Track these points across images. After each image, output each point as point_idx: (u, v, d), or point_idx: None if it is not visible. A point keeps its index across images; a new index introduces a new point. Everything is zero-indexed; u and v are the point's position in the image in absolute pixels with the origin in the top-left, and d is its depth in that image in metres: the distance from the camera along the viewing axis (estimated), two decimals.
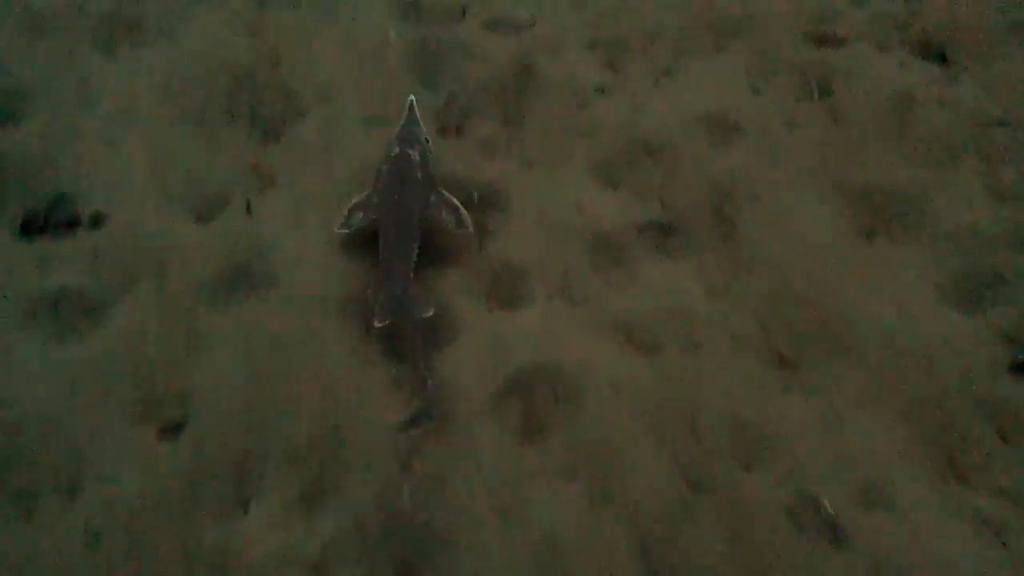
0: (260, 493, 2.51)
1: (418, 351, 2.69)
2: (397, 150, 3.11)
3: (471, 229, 3.06)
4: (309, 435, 2.59)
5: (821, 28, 3.79)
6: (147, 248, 3.12)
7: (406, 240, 2.93)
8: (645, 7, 4.12)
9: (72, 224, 3.17)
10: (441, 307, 2.89)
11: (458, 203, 3.09)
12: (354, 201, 3.10)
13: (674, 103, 3.63)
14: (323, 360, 2.83)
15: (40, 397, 2.66)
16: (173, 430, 2.63)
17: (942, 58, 3.51)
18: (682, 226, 3.19)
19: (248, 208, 3.30)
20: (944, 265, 2.86)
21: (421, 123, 3.24)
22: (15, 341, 2.79)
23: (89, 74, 3.75)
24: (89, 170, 3.34)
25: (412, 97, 3.31)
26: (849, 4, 3.87)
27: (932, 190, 3.07)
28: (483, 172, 3.45)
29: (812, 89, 3.51)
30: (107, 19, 4.00)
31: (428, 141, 3.24)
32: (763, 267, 2.99)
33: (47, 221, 3.16)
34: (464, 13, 4.24)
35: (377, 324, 2.74)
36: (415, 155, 3.11)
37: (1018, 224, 2.90)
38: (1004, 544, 2.19)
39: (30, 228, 3.13)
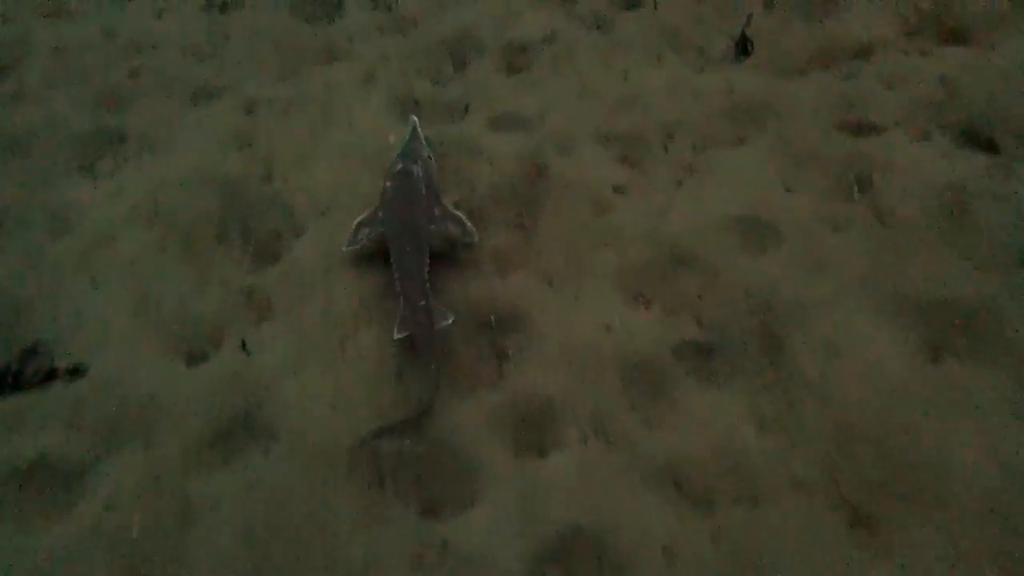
0: None
1: (435, 359, 2.74)
2: (400, 166, 3.16)
3: (477, 240, 3.17)
4: None
5: (851, 114, 3.54)
6: (133, 401, 2.80)
7: (417, 252, 2.96)
8: (657, 96, 3.88)
9: (48, 377, 2.85)
10: (462, 450, 2.58)
11: (463, 216, 3.18)
12: (360, 218, 3.18)
13: (701, 204, 3.36)
14: (331, 523, 2.50)
15: None
16: None
17: (990, 146, 3.24)
18: (723, 346, 2.89)
19: (244, 346, 2.99)
20: None
21: (424, 141, 3.33)
22: None
23: (67, 198, 3.48)
24: (67, 312, 3.04)
25: (415, 118, 3.43)
26: (878, 86, 3.62)
27: (1001, 299, 2.76)
28: (499, 290, 3.15)
29: (851, 185, 3.24)
30: (88, 136, 3.76)
31: (431, 158, 3.31)
32: (819, 397, 2.67)
33: (20, 375, 2.84)
34: (467, 109, 4.00)
35: (396, 335, 2.81)
36: (418, 170, 3.16)
37: None
38: None
39: (2, 385, 2.81)
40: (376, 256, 3.20)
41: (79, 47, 4.03)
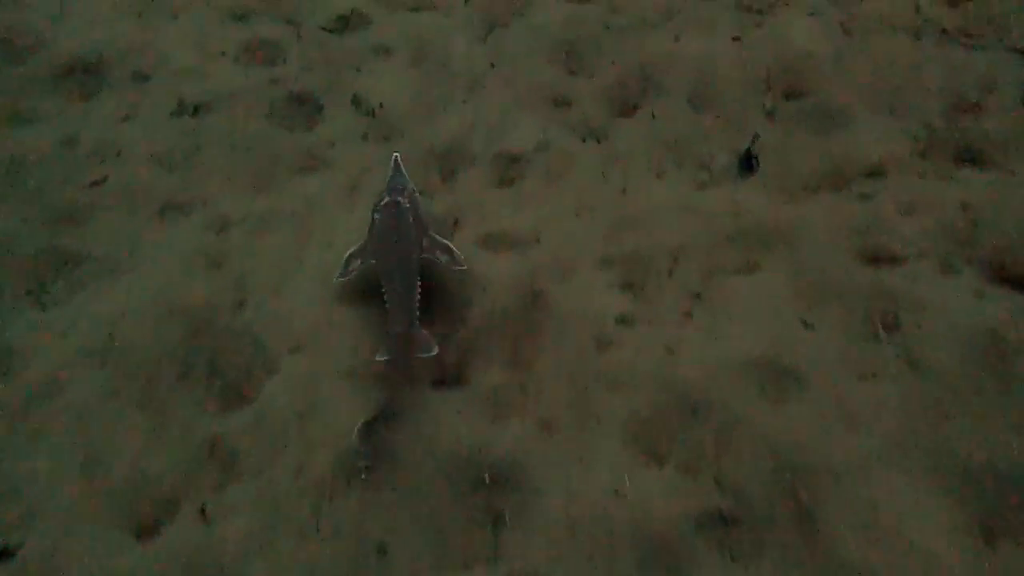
0: None
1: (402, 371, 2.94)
2: (387, 199, 3.22)
3: (466, 267, 3.22)
4: None
5: (869, 242, 3.31)
6: None
7: (407, 280, 3.04)
8: (659, 215, 3.63)
9: None
10: None
11: (451, 244, 3.26)
12: (350, 251, 3.25)
13: (713, 341, 3.09)
14: None
15: None
16: None
17: (1023, 283, 3.02)
18: (748, 515, 2.59)
19: (203, 512, 2.63)
20: None
21: (406, 175, 3.36)
22: None
23: (10, 334, 3.11)
24: (0, 480, 2.65)
25: (396, 153, 3.44)
26: (895, 211, 3.40)
27: None
28: (493, 439, 2.84)
29: (876, 324, 2.99)
30: (39, 257, 3.40)
31: (416, 192, 3.35)
32: None
33: None
34: (456, 224, 3.72)
35: (378, 358, 2.92)
36: (405, 202, 3.21)
37: None
38: None
39: None
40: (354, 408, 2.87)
41: (36, 157, 3.72)
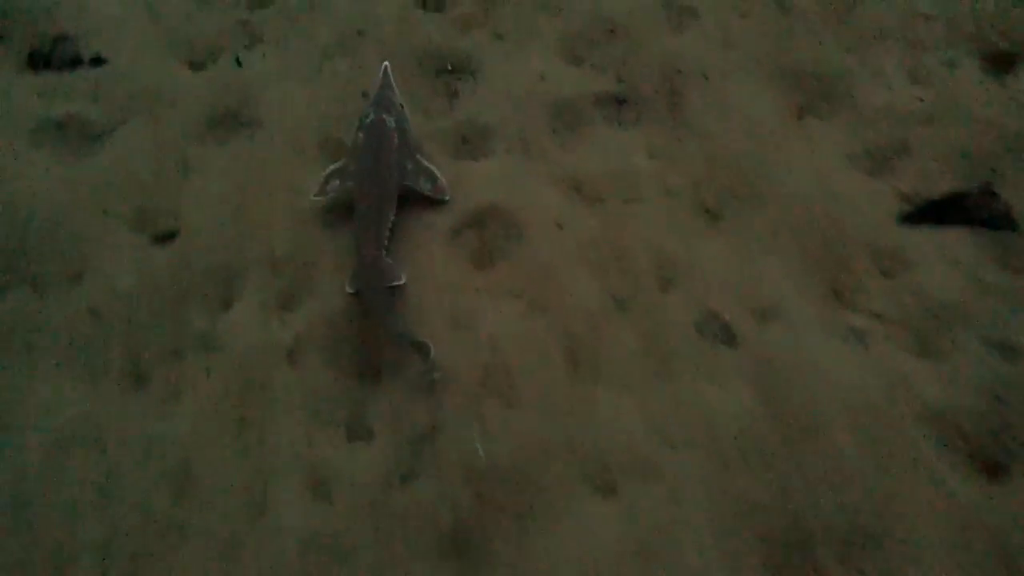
0: (243, 295, 2.87)
1: (383, 318, 2.67)
2: (372, 116, 3.02)
3: (448, 198, 3.08)
4: (284, 247, 2.94)
5: None
6: (144, 88, 3.41)
7: (381, 208, 2.88)
8: None
9: (75, 63, 3.44)
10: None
11: (436, 170, 3.09)
12: (330, 168, 3.06)
13: None
14: (299, 188, 3.16)
15: (48, 202, 2.98)
16: (165, 238, 2.97)
17: None
18: (635, 99, 3.50)
19: (237, 61, 3.58)
20: (860, 138, 3.21)
21: (396, 88, 3.16)
22: (25, 152, 3.10)
23: None
24: (90, 14, 3.59)
25: (386, 63, 3.21)
26: None
27: (857, 72, 3.39)
28: (458, 43, 3.72)
29: None
30: None
31: (403, 107, 3.15)
32: (703, 137, 3.31)
33: (51, 58, 3.42)
34: None
35: (348, 289, 2.79)
36: (391, 121, 3.03)
37: (928, 103, 3.24)
38: (866, 347, 2.60)
39: (36, 63, 3.40)
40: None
41: None
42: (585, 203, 3.14)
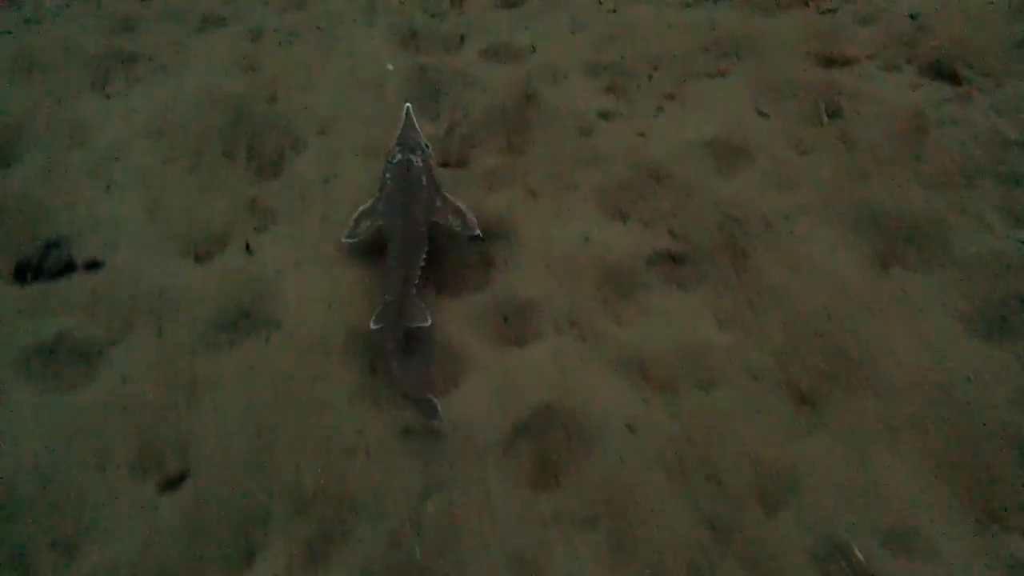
0: (266, 545, 2.41)
1: (390, 365, 2.64)
2: (399, 156, 3.08)
3: (478, 232, 3.06)
4: (315, 482, 2.50)
5: (828, 48, 3.72)
6: (145, 291, 3.04)
7: (411, 247, 2.91)
8: (645, 30, 4.07)
9: (67, 270, 3.09)
10: (448, 343, 2.82)
11: (464, 207, 3.09)
12: (360, 210, 3.10)
13: (679, 128, 3.57)
14: (327, 403, 2.74)
15: (35, 449, 2.57)
16: (174, 483, 2.53)
17: (953, 78, 3.44)
18: (693, 256, 3.11)
19: (248, 247, 3.23)
20: (964, 293, 2.77)
21: (419, 129, 3.21)
22: (9, 389, 2.71)
23: (82, 113, 3.68)
24: (83, 213, 3.27)
25: (408, 104, 3.26)
26: (855, 23, 3.80)
27: (949, 215, 2.98)
28: (488, 203, 3.37)
29: (821, 112, 3.44)
30: (101, 57, 3.94)
31: (428, 147, 3.21)
32: (777, 298, 2.90)
33: (41, 267, 3.08)
34: (462, 41, 4.18)
35: (372, 326, 2.73)
36: (417, 160, 3.08)
37: None
38: None
39: (23, 274, 3.05)
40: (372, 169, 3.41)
41: None
42: (656, 393, 2.70)
